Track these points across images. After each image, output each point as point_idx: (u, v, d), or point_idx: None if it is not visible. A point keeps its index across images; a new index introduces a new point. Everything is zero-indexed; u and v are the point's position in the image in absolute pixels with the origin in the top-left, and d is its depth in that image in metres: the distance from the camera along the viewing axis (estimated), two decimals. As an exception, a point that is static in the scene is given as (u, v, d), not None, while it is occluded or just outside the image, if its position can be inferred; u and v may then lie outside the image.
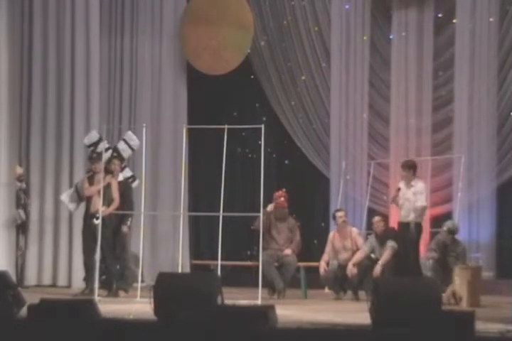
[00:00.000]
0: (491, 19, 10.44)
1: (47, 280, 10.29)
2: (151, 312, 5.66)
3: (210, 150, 10.60)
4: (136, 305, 7.50)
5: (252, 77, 11.36)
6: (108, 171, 9.06)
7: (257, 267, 8.54)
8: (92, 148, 9.34)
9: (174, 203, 10.67)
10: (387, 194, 10.48)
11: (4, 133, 9.44)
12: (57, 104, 10.46)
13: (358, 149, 10.98)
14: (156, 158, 11.15)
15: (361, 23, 11.00)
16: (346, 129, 11.03)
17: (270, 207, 9.14)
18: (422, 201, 8.64)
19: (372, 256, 8.91)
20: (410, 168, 8.71)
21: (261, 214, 8.46)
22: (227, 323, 4.69)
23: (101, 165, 8.95)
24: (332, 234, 9.35)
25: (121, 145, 9.40)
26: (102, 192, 8.75)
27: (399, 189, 8.74)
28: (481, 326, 5.02)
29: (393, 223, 9.10)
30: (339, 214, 9.28)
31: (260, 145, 8.57)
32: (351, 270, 8.81)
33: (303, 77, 11.19)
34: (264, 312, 4.92)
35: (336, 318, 6.61)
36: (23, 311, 5.54)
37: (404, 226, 8.68)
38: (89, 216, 8.97)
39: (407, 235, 8.59)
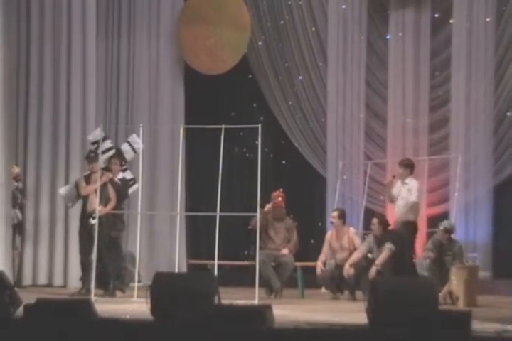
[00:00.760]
0: (488, 19, 10.46)
1: (42, 280, 10.28)
2: (147, 312, 5.66)
3: (207, 150, 10.60)
4: (133, 305, 7.50)
5: (250, 76, 11.36)
6: (107, 170, 9.06)
7: (254, 267, 8.54)
8: (95, 146, 9.29)
9: (171, 203, 10.66)
10: (384, 194, 10.49)
11: (1, 133, 9.44)
12: (53, 104, 10.46)
13: (354, 149, 10.99)
14: (153, 157, 11.15)
15: (358, 23, 11.01)
16: (343, 129, 11.04)
17: (268, 207, 9.15)
18: (413, 197, 8.65)
19: (370, 256, 8.91)
20: (407, 167, 8.72)
21: (258, 214, 8.46)
22: (224, 323, 4.69)
23: (98, 165, 8.95)
24: (329, 234, 9.36)
25: (125, 147, 9.43)
26: (98, 192, 8.75)
27: (394, 176, 8.76)
28: (477, 326, 5.03)
29: (392, 223, 9.09)
30: (333, 213, 9.30)
31: (257, 145, 8.57)
32: (348, 270, 8.82)
33: (300, 77, 11.19)
34: (261, 312, 4.93)
35: (333, 318, 6.62)
36: (20, 311, 5.54)
37: (399, 224, 8.69)
38: (85, 215, 8.97)
39: (402, 234, 8.59)
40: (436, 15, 10.77)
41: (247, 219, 9.00)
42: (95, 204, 8.73)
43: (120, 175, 9.39)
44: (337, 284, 9.07)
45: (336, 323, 5.98)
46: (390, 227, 9.03)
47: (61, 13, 10.44)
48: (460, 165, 10.03)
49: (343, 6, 10.99)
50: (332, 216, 9.25)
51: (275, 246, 9.19)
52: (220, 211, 8.50)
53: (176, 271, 8.81)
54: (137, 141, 9.37)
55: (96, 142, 9.25)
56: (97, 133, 9.35)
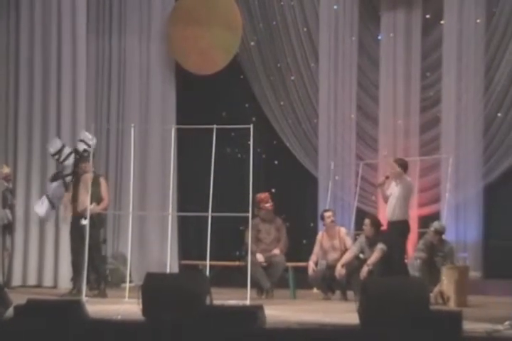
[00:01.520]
0: (478, 20, 10.49)
1: (32, 280, 10.25)
2: (139, 313, 5.65)
3: (198, 151, 10.59)
4: (125, 306, 7.48)
5: (242, 77, 11.36)
6: (76, 175, 9.10)
7: (245, 267, 8.54)
8: (56, 156, 9.37)
9: (162, 203, 10.65)
10: (375, 194, 10.50)
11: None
12: (43, 104, 10.43)
13: (346, 149, 11.00)
14: (144, 158, 11.13)
15: (350, 24, 11.02)
16: (335, 129, 11.05)
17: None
18: (398, 192, 8.52)
19: (361, 256, 8.92)
20: (401, 166, 8.68)
21: (250, 215, 8.46)
22: (216, 323, 4.69)
23: (90, 165, 8.95)
24: (320, 234, 9.37)
25: (81, 146, 9.45)
26: (89, 192, 8.74)
27: (387, 177, 8.72)
28: (468, 326, 5.04)
29: (384, 223, 9.09)
30: (327, 214, 9.30)
31: (249, 145, 8.57)
32: (340, 271, 8.83)
33: (292, 77, 11.20)
34: (253, 313, 4.93)
35: (324, 318, 6.63)
36: (10, 312, 5.52)
37: (390, 224, 8.68)
38: (77, 216, 8.95)
39: (393, 234, 8.57)
40: (428, 16, 10.79)
41: (239, 219, 9.00)
42: (86, 204, 8.71)
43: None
44: (328, 284, 9.08)
45: (328, 323, 5.99)
46: (382, 228, 9.04)
47: (51, 13, 10.41)
48: (451, 165, 10.05)
49: (335, 7, 11.01)
50: (327, 216, 9.24)
51: (265, 246, 9.20)
52: (212, 211, 8.50)
53: (168, 271, 8.80)
54: (90, 137, 9.46)
55: (57, 152, 9.31)
56: (56, 144, 9.42)
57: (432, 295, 7.86)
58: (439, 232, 8.71)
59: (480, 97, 10.48)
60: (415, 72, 10.80)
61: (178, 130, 9.96)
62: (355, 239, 9.37)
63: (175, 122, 11.04)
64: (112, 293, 9.17)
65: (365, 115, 11.05)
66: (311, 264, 9.09)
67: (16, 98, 10.45)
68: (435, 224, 8.80)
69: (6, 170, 9.89)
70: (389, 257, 8.59)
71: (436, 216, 10.07)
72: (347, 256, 8.92)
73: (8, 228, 9.87)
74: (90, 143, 9.38)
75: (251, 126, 8.52)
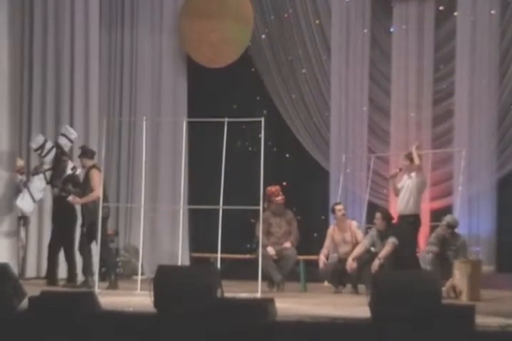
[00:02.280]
0: (492, 12, 10.41)
1: (43, 272, 10.27)
2: (151, 305, 5.66)
3: (210, 144, 10.58)
4: (136, 298, 7.51)
5: (253, 70, 11.34)
6: (56, 169, 9.24)
7: (256, 260, 8.54)
8: (39, 151, 9.51)
9: (173, 196, 10.67)
10: (387, 187, 10.47)
11: (5, 126, 9.46)
12: (56, 97, 10.45)
13: (357, 143, 10.97)
14: (155, 151, 11.15)
15: (361, 16, 10.97)
16: (346, 123, 11.02)
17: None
18: (412, 184, 8.47)
19: (373, 249, 8.91)
20: (413, 160, 8.64)
21: (261, 208, 8.45)
22: (227, 316, 4.69)
23: (88, 161, 9.00)
24: (331, 228, 9.35)
25: (62, 141, 9.53)
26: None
27: (400, 169, 8.68)
28: (481, 320, 5.02)
29: (395, 216, 9.06)
30: (338, 207, 9.28)
31: (260, 138, 8.56)
32: (351, 264, 8.81)
33: (303, 70, 11.17)
34: (264, 306, 4.92)
35: (335, 312, 6.61)
36: (24, 303, 5.54)
37: (401, 217, 8.65)
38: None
39: (405, 228, 8.55)
40: (441, 8, 10.73)
41: (250, 212, 8.99)
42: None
43: (68, 171, 9.51)
44: (339, 278, 9.07)
45: (338, 317, 5.97)
46: (394, 221, 9.01)
47: (64, 7, 10.42)
48: (464, 158, 10.00)
49: (347, -1, 10.97)
50: (338, 209, 9.22)
51: (276, 239, 9.19)
52: (223, 204, 8.50)
53: (179, 264, 8.81)
54: (71, 131, 9.59)
55: (40, 147, 9.44)
56: (38, 140, 9.54)
57: (444, 289, 7.83)
58: (452, 226, 8.67)
59: (493, 90, 10.41)
60: (428, 64, 10.75)
61: (189, 123, 9.96)
62: (366, 233, 9.36)
63: (186, 115, 11.05)
64: (124, 285, 9.19)
65: (377, 108, 11.01)
66: (321, 257, 9.07)
67: (30, 92, 10.47)
68: (447, 218, 8.77)
69: (20, 163, 9.94)
70: (400, 251, 8.57)
71: (448, 209, 10.04)
72: (358, 250, 8.90)
73: (23, 220, 9.92)
74: (72, 137, 9.50)
75: (262, 119, 8.50)
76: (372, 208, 10.06)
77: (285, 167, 11.20)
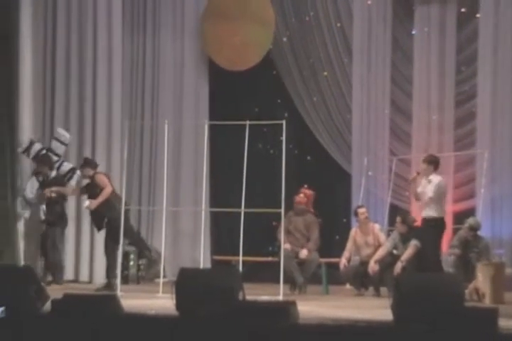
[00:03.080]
0: (515, 13, 10.35)
1: (69, 275, 10.34)
2: (172, 308, 5.68)
3: (231, 146, 10.61)
4: (158, 301, 7.53)
5: (274, 72, 11.35)
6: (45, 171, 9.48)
7: (278, 263, 8.55)
8: (25, 154, 9.72)
9: (195, 199, 10.70)
10: (408, 190, 10.42)
11: (29, 130, 9.58)
12: (79, 101, 10.51)
13: (379, 145, 10.94)
14: (177, 154, 11.19)
15: (383, 19, 10.95)
16: (368, 125, 10.99)
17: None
18: (429, 193, 8.41)
19: (395, 252, 8.88)
20: (431, 163, 8.54)
21: (282, 210, 8.46)
22: (249, 319, 4.70)
23: (91, 171, 9.08)
24: (354, 230, 9.33)
25: (55, 144, 9.75)
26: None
27: (418, 173, 8.61)
28: (504, 323, 4.98)
29: (418, 220, 9.02)
30: (361, 210, 9.26)
31: (282, 141, 8.56)
32: (373, 267, 8.79)
33: (325, 73, 11.16)
34: (286, 308, 4.92)
35: (357, 314, 6.60)
36: (47, 306, 5.59)
37: (425, 221, 8.60)
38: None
39: (428, 231, 8.49)
40: (463, 10, 10.68)
41: (271, 215, 9.00)
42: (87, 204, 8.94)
43: (54, 173, 9.61)
44: (361, 280, 9.04)
45: (361, 319, 5.96)
46: (416, 224, 8.97)
47: (87, 10, 10.48)
48: (486, 160, 9.94)
49: (369, 2, 10.94)
50: (361, 212, 9.21)
51: (295, 240, 9.20)
52: (245, 207, 8.51)
53: (201, 266, 8.84)
54: (63, 133, 9.76)
55: (25, 150, 9.68)
56: (25, 143, 9.75)
57: (467, 291, 7.78)
58: (474, 229, 8.62)
59: (516, 91, 10.34)
60: (450, 66, 10.70)
61: (210, 126, 9.99)
62: (388, 235, 9.33)
63: (208, 118, 11.08)
64: (146, 287, 9.24)
65: (399, 110, 10.98)
66: (342, 260, 9.06)
67: (52, 96, 10.54)
68: (470, 220, 8.72)
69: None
70: (423, 253, 8.52)
71: (471, 212, 9.98)
72: (380, 253, 8.88)
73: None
74: (62, 139, 9.63)
75: (283, 122, 8.51)
76: (395, 211, 10.02)
77: (306, 169, 11.20)
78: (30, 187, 9.68)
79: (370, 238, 9.15)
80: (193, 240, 10.73)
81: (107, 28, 10.50)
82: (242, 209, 8.51)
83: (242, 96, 11.30)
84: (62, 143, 9.72)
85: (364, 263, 8.96)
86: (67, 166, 9.88)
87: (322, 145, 11.16)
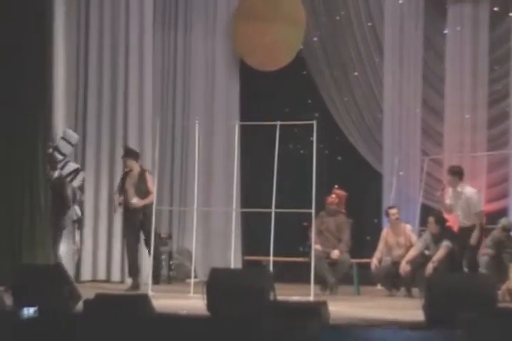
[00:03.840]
0: (549, 11, 10.23)
1: (101, 275, 10.41)
2: (204, 308, 5.70)
3: (262, 147, 10.61)
4: (190, 301, 7.56)
5: (304, 72, 11.33)
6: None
7: (309, 263, 8.53)
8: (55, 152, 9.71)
9: (226, 199, 10.71)
10: (440, 190, 10.35)
11: (62, 127, 9.67)
12: (111, 99, 10.55)
13: (411, 145, 10.87)
14: (208, 154, 11.21)
15: (415, 18, 10.87)
16: (399, 125, 10.93)
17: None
18: (476, 207, 8.49)
19: (426, 252, 8.82)
20: (455, 174, 8.61)
21: (313, 211, 8.45)
22: (280, 319, 4.69)
23: (133, 163, 9.12)
24: (385, 231, 9.29)
25: (62, 143, 9.70)
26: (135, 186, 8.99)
27: (443, 188, 8.63)
28: (537, 324, 4.92)
29: (449, 222, 8.96)
30: (392, 211, 9.22)
31: (312, 141, 8.55)
32: (404, 268, 8.74)
33: (355, 73, 11.12)
34: (317, 309, 4.92)
35: (388, 315, 6.57)
36: (79, 306, 5.63)
37: (464, 231, 8.56)
38: (128, 210, 9.13)
39: (466, 239, 8.45)
40: (496, 9, 10.57)
41: (302, 215, 8.99)
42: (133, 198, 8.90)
43: (56, 174, 9.60)
44: (393, 281, 9.00)
45: (392, 320, 5.93)
46: (448, 223, 8.91)
47: (120, 9, 10.51)
48: (519, 160, 9.84)
49: (400, 1, 10.87)
50: (392, 213, 9.18)
51: (325, 240, 9.19)
52: (276, 207, 8.51)
53: (232, 267, 8.85)
54: (71, 134, 9.77)
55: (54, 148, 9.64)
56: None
57: (499, 292, 7.70)
58: (507, 229, 8.55)
59: (550, 91, 10.21)
60: (482, 65, 10.60)
61: (241, 126, 10.00)
62: (420, 236, 9.27)
63: (238, 118, 11.09)
64: (178, 288, 9.27)
65: (431, 110, 10.89)
66: (374, 261, 9.02)
67: (85, 95, 10.60)
68: (503, 221, 8.64)
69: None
70: (459, 258, 8.47)
71: (504, 212, 9.88)
72: (412, 253, 8.83)
73: (78, 223, 10.09)
74: (71, 140, 9.67)
75: (314, 122, 8.49)
76: (426, 211, 9.95)
77: (337, 170, 11.16)
78: None
79: (402, 238, 9.10)
80: (224, 240, 10.74)
81: (138, 26, 10.53)
82: (273, 210, 8.51)
83: (272, 96, 11.29)
84: (69, 143, 9.77)
85: (395, 264, 8.92)
86: (71, 166, 9.83)
87: (353, 145, 11.12)
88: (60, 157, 9.70)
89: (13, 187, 9.10)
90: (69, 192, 9.60)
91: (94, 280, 10.22)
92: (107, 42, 10.54)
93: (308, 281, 8.24)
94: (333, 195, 9.34)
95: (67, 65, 10.04)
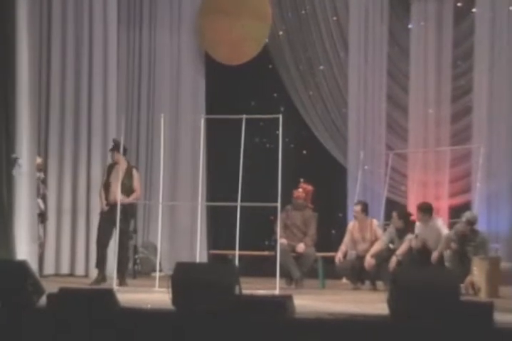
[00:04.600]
0: (511, 8, 10.34)
1: (65, 269, 10.34)
2: (169, 302, 5.68)
3: (228, 140, 10.59)
4: (154, 295, 7.53)
5: (270, 66, 11.34)
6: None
7: (275, 257, 8.55)
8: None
9: (192, 193, 10.70)
10: (405, 184, 10.44)
11: (25, 124, 9.51)
12: (75, 94, 10.48)
13: (376, 139, 10.94)
14: (174, 148, 11.18)
15: (380, 13, 10.93)
16: (364, 119, 10.99)
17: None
18: (443, 233, 8.62)
19: (391, 246, 8.89)
20: (426, 212, 8.73)
21: (279, 205, 8.46)
22: (245, 313, 4.70)
23: (120, 156, 9.02)
24: (351, 225, 9.34)
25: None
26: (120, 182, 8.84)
27: (416, 236, 8.73)
28: (499, 317, 4.99)
29: (413, 216, 9.04)
30: (355, 208, 9.29)
31: (278, 135, 8.56)
32: (369, 261, 8.80)
33: (321, 67, 11.15)
34: (282, 302, 4.92)
35: (354, 308, 6.61)
36: (43, 300, 5.58)
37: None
38: (108, 206, 9.02)
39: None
40: (459, 5, 10.67)
41: (268, 209, 9.00)
42: (117, 195, 8.78)
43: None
44: (358, 274, 9.06)
45: (358, 313, 5.97)
46: (412, 218, 8.99)
47: (83, 4, 10.44)
48: (482, 155, 9.95)
49: (365, -5, 10.93)
50: (355, 210, 9.24)
51: (291, 234, 9.20)
52: (241, 201, 8.51)
53: (197, 261, 8.84)
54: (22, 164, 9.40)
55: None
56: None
57: (462, 285, 7.80)
58: (471, 223, 8.64)
59: (512, 86, 10.34)
60: (446, 60, 10.70)
61: (207, 120, 9.98)
62: (384, 230, 9.34)
63: (204, 112, 11.07)
64: (142, 282, 9.24)
65: (395, 104, 10.98)
66: (338, 254, 9.07)
67: (48, 89, 10.51)
68: (467, 214, 8.74)
69: (38, 160, 9.98)
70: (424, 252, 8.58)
71: (467, 206, 10.00)
72: (377, 247, 8.89)
73: (41, 217, 9.98)
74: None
75: (280, 116, 8.50)
76: (391, 205, 10.03)
77: (303, 163, 11.19)
78: None
79: (368, 233, 9.15)
80: (189, 234, 10.73)
81: (102, 23, 10.45)
82: (239, 204, 8.51)
83: (238, 90, 11.29)
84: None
85: (360, 258, 8.97)
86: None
87: (318, 139, 11.16)
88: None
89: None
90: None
91: (57, 275, 10.14)
92: (71, 38, 10.45)
93: (273, 275, 8.25)
94: (300, 189, 9.37)
95: (30, 62, 9.88)
